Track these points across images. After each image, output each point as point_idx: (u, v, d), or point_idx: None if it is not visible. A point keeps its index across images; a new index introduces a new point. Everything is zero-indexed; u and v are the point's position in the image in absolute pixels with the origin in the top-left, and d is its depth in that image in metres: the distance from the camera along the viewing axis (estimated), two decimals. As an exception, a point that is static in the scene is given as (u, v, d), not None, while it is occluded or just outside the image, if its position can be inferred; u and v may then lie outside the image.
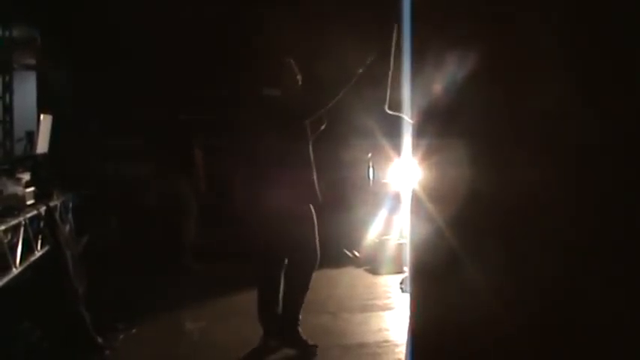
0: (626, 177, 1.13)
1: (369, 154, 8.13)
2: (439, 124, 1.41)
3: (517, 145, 1.24)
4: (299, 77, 4.67)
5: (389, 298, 6.16)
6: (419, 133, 1.54)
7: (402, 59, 1.58)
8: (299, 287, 4.62)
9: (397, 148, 7.94)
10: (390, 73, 1.60)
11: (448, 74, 1.35)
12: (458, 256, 1.34)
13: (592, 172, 1.18)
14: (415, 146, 1.60)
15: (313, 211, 4.55)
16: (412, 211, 1.56)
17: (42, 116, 5.27)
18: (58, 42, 7.06)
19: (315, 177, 4.52)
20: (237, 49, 7.68)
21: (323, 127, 4.66)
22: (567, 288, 1.14)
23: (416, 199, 1.55)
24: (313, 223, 4.55)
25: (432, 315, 1.42)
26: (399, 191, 7.99)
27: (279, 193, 4.37)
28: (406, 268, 7.13)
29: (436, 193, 1.42)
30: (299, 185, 4.46)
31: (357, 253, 7.79)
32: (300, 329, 4.61)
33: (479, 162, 1.31)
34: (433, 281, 1.40)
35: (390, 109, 1.69)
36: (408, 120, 1.62)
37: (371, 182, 8.20)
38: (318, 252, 4.56)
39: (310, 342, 4.60)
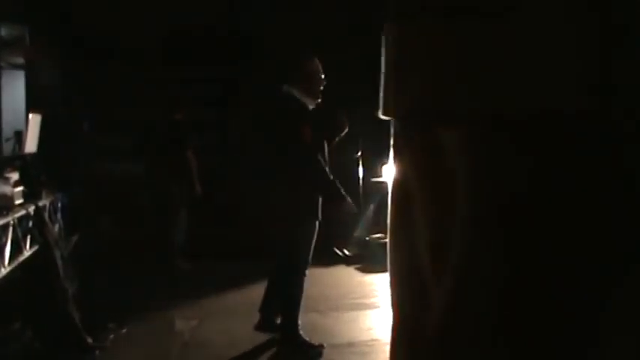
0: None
1: (358, 153, 8.15)
2: (422, 120, 1.41)
3: (501, 139, 1.25)
4: (317, 75, 4.60)
5: (378, 296, 6.18)
6: (401, 127, 1.53)
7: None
8: (280, 293, 4.66)
9: (386, 146, 7.99)
10: (382, 75, 1.59)
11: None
12: (437, 253, 1.35)
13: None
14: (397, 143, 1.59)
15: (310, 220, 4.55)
16: (390, 209, 1.57)
17: (31, 115, 5.27)
18: (48, 41, 7.04)
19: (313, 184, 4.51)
20: (233, 46, 7.68)
21: (345, 132, 4.66)
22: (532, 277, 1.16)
23: (394, 196, 1.55)
24: (303, 232, 4.58)
25: (412, 315, 1.43)
26: (387, 189, 8.03)
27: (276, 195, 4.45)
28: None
29: (414, 189, 1.43)
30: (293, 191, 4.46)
31: (346, 252, 7.81)
32: (300, 333, 4.62)
33: (462, 155, 1.32)
34: (412, 281, 1.42)
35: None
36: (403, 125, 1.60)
37: (360, 181, 8.22)
38: (300, 264, 4.60)
39: (315, 343, 4.64)
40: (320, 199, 4.55)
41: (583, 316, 0.86)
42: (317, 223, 4.57)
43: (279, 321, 4.69)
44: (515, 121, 0.85)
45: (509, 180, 0.90)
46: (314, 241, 4.58)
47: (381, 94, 1.31)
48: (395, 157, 1.46)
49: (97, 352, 4.56)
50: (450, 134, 0.93)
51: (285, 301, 4.60)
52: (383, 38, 1.12)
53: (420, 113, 1.02)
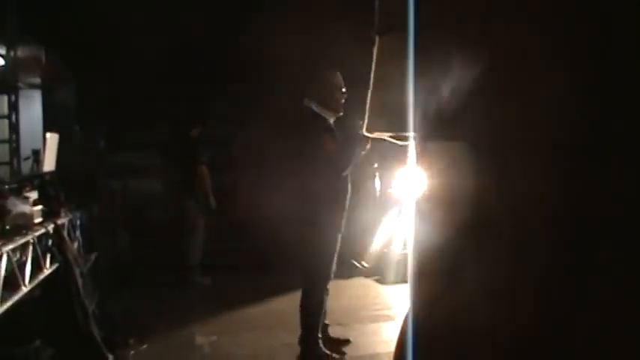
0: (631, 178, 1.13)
1: (375, 164, 8.13)
2: (444, 131, 1.41)
3: (525, 152, 1.23)
4: (337, 89, 4.57)
5: (398, 308, 6.15)
6: (424, 139, 1.53)
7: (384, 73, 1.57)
8: (301, 300, 4.63)
9: (403, 157, 7.96)
10: (370, 92, 1.58)
11: (454, 79, 1.35)
12: (462, 263, 1.34)
13: (601, 177, 1.18)
14: (420, 153, 1.59)
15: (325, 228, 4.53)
16: (417, 219, 1.56)
17: (48, 135, 5.29)
18: (63, 60, 7.10)
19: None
20: (247, 61, 7.69)
21: (367, 148, 4.60)
22: (569, 292, 1.15)
23: (421, 207, 1.54)
24: (325, 245, 4.55)
25: (435, 322, 1.41)
26: (405, 201, 7.99)
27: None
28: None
29: (441, 201, 1.42)
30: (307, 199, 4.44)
31: (365, 264, 7.77)
32: (320, 346, 4.59)
33: (485, 168, 1.31)
34: (436, 288, 1.40)
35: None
36: (392, 142, 1.62)
37: (377, 192, 8.20)
38: (322, 277, 4.58)
39: (335, 355, 4.61)
40: (343, 212, 4.53)
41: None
42: (339, 235, 4.55)
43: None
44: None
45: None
46: (336, 254, 4.55)
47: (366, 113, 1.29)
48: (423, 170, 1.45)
49: (118, 368, 4.56)
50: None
51: (306, 314, 4.57)
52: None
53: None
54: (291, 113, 4.80)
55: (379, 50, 1.57)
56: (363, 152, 4.52)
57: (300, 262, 4.63)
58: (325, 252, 4.51)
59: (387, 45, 1.53)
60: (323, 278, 4.55)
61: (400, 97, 1.42)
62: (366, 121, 1.60)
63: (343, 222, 4.55)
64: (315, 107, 4.50)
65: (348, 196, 4.56)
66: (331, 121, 4.55)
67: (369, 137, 4.66)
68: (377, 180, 8.23)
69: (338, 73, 4.62)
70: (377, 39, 1.57)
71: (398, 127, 1.50)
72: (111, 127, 7.33)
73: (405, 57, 1.39)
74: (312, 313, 4.56)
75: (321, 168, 4.37)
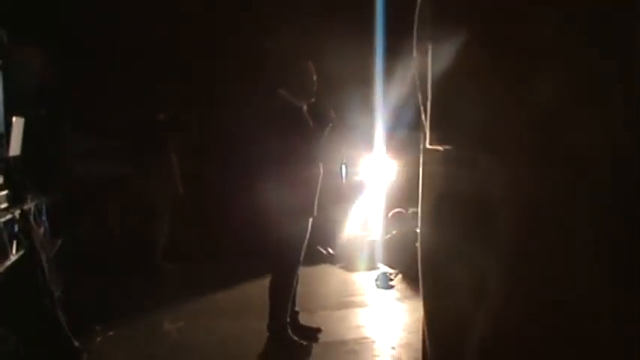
0: (629, 180, 1.17)
1: (342, 151, 8.17)
2: (444, 127, 1.43)
3: (523, 148, 1.27)
4: (309, 77, 4.64)
5: (365, 294, 6.23)
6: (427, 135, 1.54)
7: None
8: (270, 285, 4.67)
9: (369, 144, 8.02)
10: (430, 103, 1.52)
11: (451, 74, 1.37)
12: (469, 259, 1.38)
13: (597, 176, 1.21)
14: (425, 148, 1.59)
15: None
16: (425, 215, 1.59)
17: (14, 119, 5.20)
18: (27, 42, 6.96)
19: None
20: (216, 46, 7.64)
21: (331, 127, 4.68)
22: (571, 290, 1.19)
23: (427, 203, 1.57)
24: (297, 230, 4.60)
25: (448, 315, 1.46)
26: (371, 187, 8.07)
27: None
28: (380, 265, 7.22)
29: (447, 197, 1.45)
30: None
31: (331, 251, 7.83)
32: (288, 331, 4.64)
33: (485, 165, 1.35)
34: (445, 282, 1.44)
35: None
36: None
37: (344, 179, 8.24)
38: (293, 262, 4.62)
39: (304, 341, 4.66)
40: (315, 197, 4.57)
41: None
42: (310, 220, 4.60)
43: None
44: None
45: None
46: (307, 239, 4.60)
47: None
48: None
49: (85, 354, 4.53)
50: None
51: (275, 300, 4.61)
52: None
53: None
54: (265, 102, 4.81)
55: (434, 59, 1.50)
56: (327, 132, 4.63)
57: (270, 247, 4.66)
58: (296, 236, 4.54)
59: (442, 54, 1.47)
60: (293, 264, 4.59)
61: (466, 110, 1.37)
62: (428, 134, 1.53)
63: (315, 206, 4.59)
64: (289, 96, 4.54)
65: (320, 180, 4.60)
66: (304, 108, 4.60)
67: (332, 117, 4.74)
68: (343, 167, 8.27)
69: (310, 62, 4.67)
70: (429, 48, 1.51)
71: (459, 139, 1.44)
72: (77, 111, 7.21)
73: (463, 68, 1.35)
74: (281, 299, 4.60)
75: (294, 152, 4.41)
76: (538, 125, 1.27)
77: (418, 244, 1.69)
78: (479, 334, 1.27)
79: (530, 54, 1.25)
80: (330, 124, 4.64)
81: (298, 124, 4.49)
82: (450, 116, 1.44)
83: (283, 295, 4.61)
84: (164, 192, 7.18)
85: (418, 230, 1.71)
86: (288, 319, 4.64)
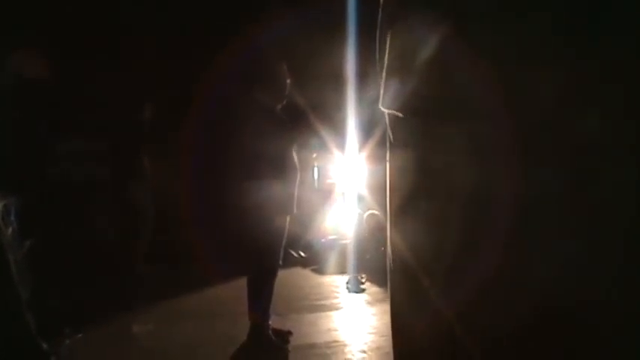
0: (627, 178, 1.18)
1: (314, 154, 8.19)
2: (427, 121, 1.44)
3: (516, 144, 1.28)
4: (282, 78, 4.66)
5: (336, 298, 6.23)
6: (402, 131, 1.55)
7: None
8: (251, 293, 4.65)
9: (341, 147, 8.04)
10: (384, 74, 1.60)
11: (440, 70, 1.38)
12: (446, 258, 1.38)
13: (593, 173, 1.22)
14: (396, 145, 1.61)
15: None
16: (395, 212, 1.59)
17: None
18: (2, 40, 6.85)
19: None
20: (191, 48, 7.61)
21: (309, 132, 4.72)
22: (563, 291, 1.20)
23: (397, 201, 1.57)
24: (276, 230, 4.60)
25: (416, 318, 1.46)
26: (343, 191, 8.09)
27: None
28: (351, 268, 7.24)
29: (423, 192, 1.45)
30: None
31: (302, 254, 7.83)
32: (269, 333, 4.65)
33: (474, 160, 1.35)
34: (416, 283, 1.44)
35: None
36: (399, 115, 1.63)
37: (316, 182, 8.26)
38: (273, 263, 4.63)
39: (281, 343, 4.67)
40: (294, 194, 4.58)
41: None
42: (288, 218, 4.60)
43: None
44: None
45: None
46: (285, 238, 4.62)
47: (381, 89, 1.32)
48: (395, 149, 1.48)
49: (53, 357, 4.47)
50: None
51: (255, 302, 4.60)
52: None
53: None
54: (239, 103, 4.82)
55: (392, 40, 1.58)
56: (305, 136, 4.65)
57: (248, 248, 4.64)
58: (274, 235, 4.54)
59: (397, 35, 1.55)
60: (272, 264, 4.59)
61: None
62: (381, 98, 1.62)
63: (294, 205, 4.60)
64: (263, 97, 4.55)
65: (297, 179, 4.61)
66: (278, 108, 4.62)
67: (311, 122, 4.78)
68: (315, 170, 8.29)
69: (283, 63, 4.69)
70: (389, 32, 1.59)
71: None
72: (52, 112, 7.11)
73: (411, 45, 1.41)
74: (264, 300, 4.60)
75: (270, 151, 4.41)
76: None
77: (388, 245, 1.70)
78: (448, 332, 1.28)
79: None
80: (307, 124, 4.67)
81: (274, 124, 4.49)
82: (404, 81, 1.47)
83: (265, 295, 4.62)
84: (143, 194, 7.10)
85: (387, 231, 1.73)
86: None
